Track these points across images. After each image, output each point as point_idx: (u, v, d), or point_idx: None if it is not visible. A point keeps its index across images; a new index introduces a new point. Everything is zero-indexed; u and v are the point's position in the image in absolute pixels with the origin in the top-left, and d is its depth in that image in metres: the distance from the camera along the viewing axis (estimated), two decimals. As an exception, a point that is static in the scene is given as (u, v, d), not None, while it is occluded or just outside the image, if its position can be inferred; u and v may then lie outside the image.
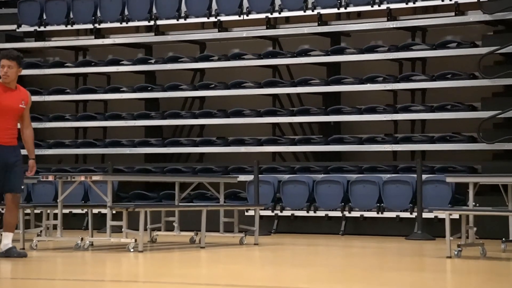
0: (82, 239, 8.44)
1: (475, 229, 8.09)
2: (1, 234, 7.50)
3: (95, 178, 8.54)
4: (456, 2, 11.60)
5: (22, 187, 7.51)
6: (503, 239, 8.53)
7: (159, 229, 9.87)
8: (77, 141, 13.60)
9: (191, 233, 9.65)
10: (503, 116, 11.09)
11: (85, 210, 11.66)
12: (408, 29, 12.17)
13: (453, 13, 11.70)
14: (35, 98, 11.97)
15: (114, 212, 8.87)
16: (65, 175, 8.64)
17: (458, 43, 11.63)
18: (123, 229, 8.43)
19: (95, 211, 10.95)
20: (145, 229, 9.13)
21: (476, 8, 11.52)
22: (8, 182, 7.28)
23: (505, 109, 10.91)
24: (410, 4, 11.89)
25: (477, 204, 8.59)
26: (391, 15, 12.02)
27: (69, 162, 13.73)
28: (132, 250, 8.22)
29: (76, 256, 7.81)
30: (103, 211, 10.61)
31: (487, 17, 11.39)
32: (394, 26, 11.99)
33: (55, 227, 8.83)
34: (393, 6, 11.96)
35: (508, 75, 11.04)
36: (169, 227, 9.93)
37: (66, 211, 11.03)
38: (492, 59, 11.55)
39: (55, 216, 8.88)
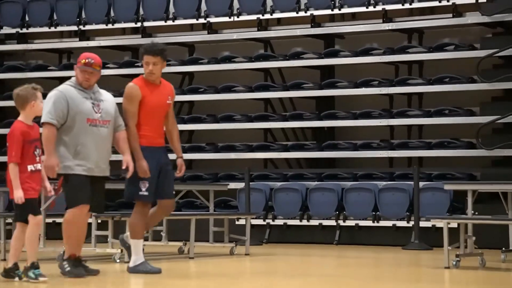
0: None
1: (474, 238, 8.11)
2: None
3: (79, 186, 8.49)
4: (453, 4, 11.64)
5: (173, 192, 7.10)
6: (503, 249, 8.55)
7: (146, 239, 9.84)
8: (60, 148, 13.56)
9: (180, 243, 9.64)
10: (502, 121, 11.13)
11: (69, 219, 11.59)
12: (404, 31, 12.21)
13: (450, 15, 11.74)
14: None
15: (99, 221, 8.86)
16: (49, 182, 8.61)
17: (456, 45, 11.67)
18: (108, 239, 8.41)
19: (80, 220, 10.89)
20: (132, 239, 9.09)
21: (474, 10, 11.57)
22: (164, 187, 6.89)
23: (504, 114, 10.95)
24: (407, 6, 11.94)
25: (476, 213, 8.61)
26: (386, 16, 12.05)
27: (53, 169, 13.68)
28: (118, 261, 8.21)
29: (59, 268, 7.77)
30: (88, 220, 10.55)
31: (485, 19, 11.44)
32: (390, 28, 12.02)
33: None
34: (388, 7, 12.00)
35: (508, 79, 11.09)
36: (157, 237, 9.91)
37: (49, 220, 10.99)
38: (491, 62, 11.59)
39: (38, 226, 8.83)
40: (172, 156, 7.10)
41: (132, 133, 6.82)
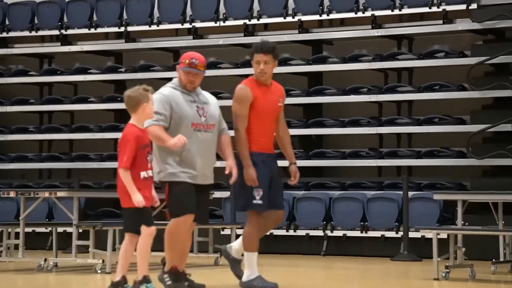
0: (45, 259, 8.38)
1: (463, 249, 8.13)
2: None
3: (60, 194, 8.49)
4: (444, 10, 11.69)
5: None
6: (493, 260, 8.58)
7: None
8: (41, 155, 13.52)
9: (163, 253, 9.60)
10: (493, 130, 11.17)
11: (49, 228, 11.57)
12: (393, 38, 12.25)
13: (440, 21, 11.79)
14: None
15: (80, 230, 8.82)
16: (28, 191, 8.59)
17: (446, 52, 11.72)
18: (89, 249, 8.38)
19: (60, 229, 10.87)
20: (114, 249, 9.07)
21: (465, 16, 11.62)
22: (275, 197, 6.55)
23: (495, 122, 11.00)
24: (396, 12, 11.98)
25: (466, 223, 8.64)
26: (376, 22, 12.09)
27: (33, 177, 13.64)
28: (99, 271, 8.17)
29: (38, 279, 7.74)
30: (69, 229, 10.52)
31: (476, 26, 11.49)
32: (379, 34, 12.06)
33: (16, 247, 8.76)
34: (378, 13, 12.03)
35: (499, 87, 11.14)
36: (139, 247, 9.86)
37: (28, 229, 10.94)
38: (482, 69, 11.64)
39: (17, 235, 8.81)
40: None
41: (242, 138, 6.51)
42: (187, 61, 6.39)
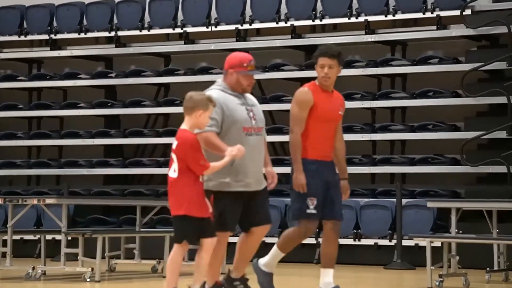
0: (33, 268, 8.35)
1: (457, 258, 8.14)
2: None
3: (48, 201, 8.47)
4: (438, 16, 11.73)
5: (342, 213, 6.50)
6: (487, 269, 8.59)
7: (118, 257, 9.79)
8: (29, 161, 13.48)
9: (153, 261, 9.59)
10: (487, 137, 11.20)
11: (38, 236, 11.54)
12: (387, 43, 12.27)
13: (434, 27, 11.83)
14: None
15: (69, 238, 8.79)
16: (16, 198, 8.57)
17: (440, 58, 11.75)
18: (78, 257, 8.36)
19: (49, 237, 10.83)
20: (103, 257, 9.05)
21: (459, 22, 11.66)
22: (332, 206, 6.35)
23: (489, 129, 11.02)
24: (390, 17, 12.01)
25: (460, 231, 8.65)
26: (369, 28, 12.12)
27: (21, 184, 13.60)
28: (88, 280, 8.15)
29: (26, 287, 7.72)
30: (57, 237, 10.49)
31: (470, 32, 11.53)
32: (373, 39, 12.09)
33: (4, 255, 8.73)
34: (371, 18, 12.07)
35: (493, 93, 11.17)
36: (129, 255, 9.85)
37: (16, 237, 10.91)
38: (476, 76, 11.68)
39: (4, 243, 8.78)
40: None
41: (297, 141, 6.30)
42: (246, 64, 6.15)
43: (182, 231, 5.67)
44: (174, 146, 5.67)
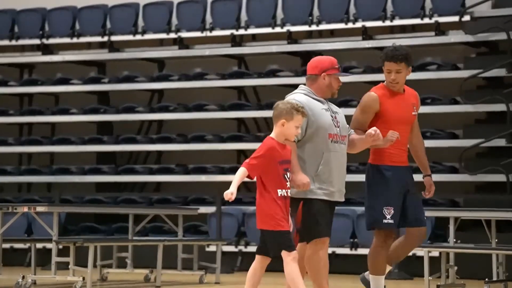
0: (23, 277, 8.33)
1: (456, 268, 8.14)
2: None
3: (39, 209, 8.46)
4: (436, 22, 11.76)
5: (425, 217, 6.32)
6: (486, 279, 8.58)
7: (110, 266, 9.78)
8: (20, 168, 13.47)
9: (146, 271, 9.58)
10: (486, 145, 11.22)
11: (28, 244, 11.52)
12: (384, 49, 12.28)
13: (433, 33, 11.86)
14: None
15: (60, 247, 8.78)
16: (6, 205, 8.55)
17: (439, 65, 11.77)
18: (70, 266, 8.34)
19: (39, 245, 10.83)
20: (95, 266, 9.04)
21: (458, 28, 11.69)
22: (414, 213, 6.17)
23: (488, 137, 11.04)
24: (387, 23, 12.04)
25: (459, 241, 8.64)
26: (366, 33, 12.14)
27: (11, 191, 13.58)
28: (79, 289, 8.14)
29: (16, 296, 7.70)
30: (48, 245, 10.48)
31: (469, 38, 11.55)
32: (370, 45, 12.11)
33: (-7, 263, 8.71)
34: (368, 24, 12.09)
35: (492, 101, 11.19)
36: (122, 264, 9.84)
37: (6, 245, 10.89)
38: (475, 83, 11.70)
39: (-6, 251, 8.75)
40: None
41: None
42: (338, 66, 6.08)
43: (260, 244, 5.64)
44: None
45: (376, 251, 6.26)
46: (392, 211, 6.16)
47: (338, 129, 5.94)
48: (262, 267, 5.65)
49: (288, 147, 5.67)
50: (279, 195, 5.53)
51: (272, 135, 5.65)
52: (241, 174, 5.55)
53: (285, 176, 5.58)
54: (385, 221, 6.16)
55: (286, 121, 5.59)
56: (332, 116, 5.93)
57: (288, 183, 5.60)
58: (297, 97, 5.88)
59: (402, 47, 6.29)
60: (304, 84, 6.04)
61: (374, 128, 5.87)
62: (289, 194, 5.61)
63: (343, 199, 5.99)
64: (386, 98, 6.24)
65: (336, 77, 6.03)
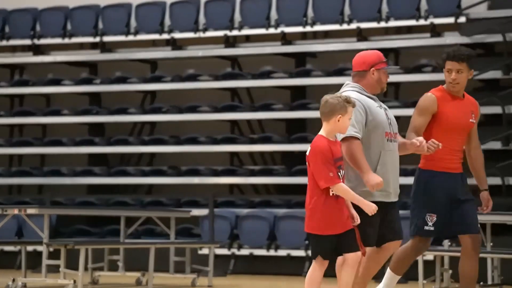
0: (13, 280, 8.32)
1: (450, 271, 8.16)
2: None
3: (30, 211, 8.45)
4: (431, 23, 11.78)
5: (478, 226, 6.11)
6: (481, 283, 8.59)
7: (101, 269, 9.77)
8: (11, 170, 13.45)
9: (138, 274, 9.58)
10: (483, 148, 11.19)
11: (19, 247, 11.50)
12: (379, 51, 12.20)
13: (428, 34, 11.88)
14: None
15: (51, 249, 8.77)
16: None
17: (434, 67, 11.79)
18: (60, 269, 8.33)
19: (30, 248, 10.82)
20: (86, 269, 9.04)
21: (454, 30, 11.71)
22: (463, 220, 5.99)
23: (484, 140, 11.05)
24: (382, 24, 12.06)
25: (453, 244, 8.66)
26: (361, 35, 12.16)
27: (2, 193, 13.56)
28: (70, 292, 8.12)
29: (6, 299, 7.69)
30: (39, 248, 10.47)
31: (465, 40, 11.57)
32: (365, 47, 12.10)
33: (-17, 266, 8.70)
34: (363, 25, 12.11)
35: (488, 103, 11.20)
36: (113, 267, 9.84)
37: (-4, 248, 10.87)
38: (471, 85, 11.69)
39: (-16, 254, 8.75)
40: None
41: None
42: (385, 60, 5.95)
43: (313, 249, 5.44)
44: (307, 153, 5.46)
45: (407, 253, 6.10)
46: (435, 218, 6.03)
47: (391, 126, 5.80)
48: (322, 270, 5.47)
49: (338, 143, 5.50)
50: (330, 194, 5.34)
51: (322, 133, 5.47)
52: (346, 190, 5.34)
53: (339, 174, 5.39)
54: (426, 227, 6.04)
55: (341, 116, 5.42)
56: (385, 114, 5.80)
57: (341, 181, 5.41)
58: (351, 94, 5.71)
59: (464, 48, 6.20)
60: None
61: (433, 140, 5.66)
62: None
63: (397, 199, 5.82)
64: (444, 101, 6.12)
65: (385, 71, 5.89)
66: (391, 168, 5.72)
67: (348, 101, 5.45)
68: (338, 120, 5.42)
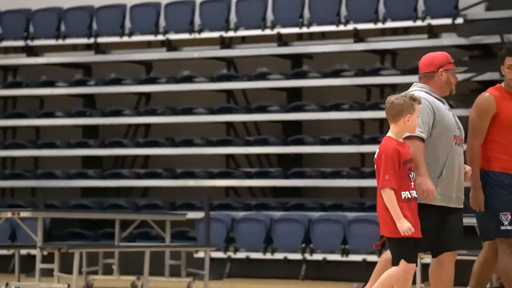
0: (7, 284, 8.31)
1: (448, 274, 8.14)
2: None
3: (23, 214, 8.44)
4: (429, 24, 11.80)
5: None
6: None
7: (96, 273, 9.77)
8: (4, 172, 13.44)
9: (133, 277, 9.57)
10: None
11: (12, 251, 11.50)
12: (376, 52, 12.33)
13: (425, 36, 11.90)
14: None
15: (44, 253, 8.76)
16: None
17: (431, 68, 11.80)
18: (54, 273, 8.33)
19: (23, 252, 10.80)
20: (80, 273, 9.03)
21: (451, 31, 11.74)
22: None
23: (482, 141, 11.07)
24: (379, 25, 12.07)
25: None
26: (358, 36, 12.17)
27: (-5, 196, 13.56)
28: (64, 296, 8.12)
29: (0, 304, 7.68)
30: (33, 252, 10.46)
31: (462, 41, 11.60)
32: (362, 48, 12.14)
33: (-24, 270, 8.70)
34: (360, 26, 12.12)
35: (486, 105, 11.22)
36: (108, 270, 9.84)
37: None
38: (468, 86, 11.74)
39: (-23, 258, 8.74)
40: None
41: (475, 153, 5.95)
42: (453, 60, 5.82)
43: (393, 253, 5.35)
44: (376, 155, 5.38)
45: (505, 262, 5.95)
46: (510, 217, 5.90)
47: (459, 130, 5.71)
48: (411, 271, 5.35)
49: (407, 144, 5.41)
50: (403, 197, 5.26)
51: (391, 134, 5.38)
52: (392, 200, 5.25)
53: (409, 176, 5.31)
54: (502, 228, 5.91)
55: (410, 116, 5.34)
56: (453, 116, 5.69)
57: (413, 184, 5.32)
58: (419, 94, 5.58)
59: None
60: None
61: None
62: (414, 196, 5.33)
63: (461, 206, 5.69)
64: (503, 99, 6.00)
65: (453, 72, 5.78)
66: (457, 173, 5.62)
67: (414, 99, 5.37)
68: (408, 120, 5.35)
